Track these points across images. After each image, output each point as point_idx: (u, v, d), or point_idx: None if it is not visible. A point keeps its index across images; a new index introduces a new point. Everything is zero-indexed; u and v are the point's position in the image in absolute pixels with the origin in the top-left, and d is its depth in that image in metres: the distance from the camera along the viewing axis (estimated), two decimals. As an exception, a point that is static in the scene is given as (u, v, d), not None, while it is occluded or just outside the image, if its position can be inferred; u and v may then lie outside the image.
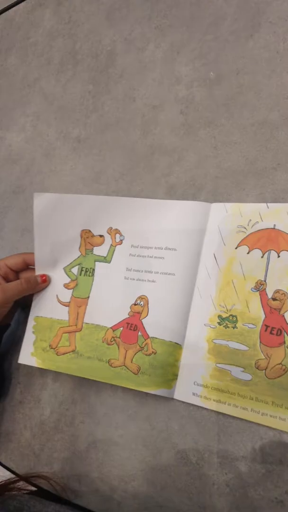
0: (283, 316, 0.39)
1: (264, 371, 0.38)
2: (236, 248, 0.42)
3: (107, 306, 0.46)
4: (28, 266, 0.49)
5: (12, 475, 0.49)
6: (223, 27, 0.49)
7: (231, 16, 0.49)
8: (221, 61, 0.48)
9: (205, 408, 0.41)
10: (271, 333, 0.39)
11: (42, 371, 0.50)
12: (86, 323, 0.47)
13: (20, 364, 0.49)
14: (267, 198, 0.43)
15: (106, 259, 0.47)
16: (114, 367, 0.44)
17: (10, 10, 0.67)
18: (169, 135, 0.50)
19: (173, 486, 0.41)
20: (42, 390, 0.50)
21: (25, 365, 0.50)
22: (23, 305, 0.51)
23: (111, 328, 0.45)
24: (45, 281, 0.48)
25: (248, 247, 0.41)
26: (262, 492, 0.38)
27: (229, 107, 0.47)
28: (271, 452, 0.38)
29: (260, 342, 0.39)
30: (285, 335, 0.38)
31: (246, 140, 0.45)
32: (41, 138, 0.59)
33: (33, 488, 0.47)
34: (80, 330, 0.47)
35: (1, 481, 0.46)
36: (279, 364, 0.38)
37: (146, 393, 0.43)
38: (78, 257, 0.48)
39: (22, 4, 0.66)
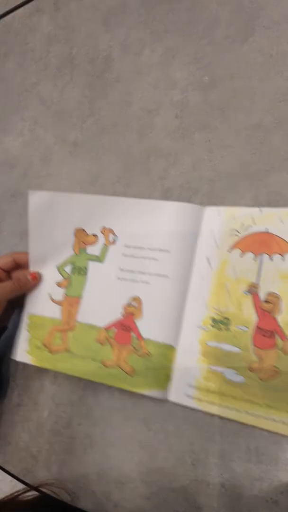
0: (275, 318, 0.39)
1: (257, 373, 0.39)
2: (229, 251, 0.42)
3: (100, 306, 0.46)
4: (19, 265, 0.49)
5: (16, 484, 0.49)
6: (218, 32, 0.49)
7: (225, 21, 0.49)
8: (215, 65, 0.49)
9: (201, 410, 0.41)
10: (263, 335, 0.39)
11: (39, 374, 0.50)
12: (79, 322, 0.47)
13: (18, 367, 0.49)
14: (260, 200, 0.43)
15: (99, 259, 0.47)
16: (108, 367, 0.44)
17: (8, 16, 0.68)
18: (164, 138, 0.50)
19: (169, 487, 0.41)
20: (39, 393, 0.50)
21: (22, 368, 0.51)
22: (21, 307, 0.52)
23: (104, 328, 0.46)
24: (36, 279, 0.48)
25: (241, 250, 0.41)
26: (257, 493, 0.38)
27: (223, 111, 0.47)
28: (266, 453, 0.38)
29: (253, 344, 0.39)
30: (277, 337, 0.38)
31: (241, 144, 0.46)
32: (38, 142, 0.60)
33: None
34: (73, 329, 0.47)
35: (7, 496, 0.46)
36: (271, 366, 0.38)
37: (143, 395, 0.43)
38: (71, 255, 0.48)
39: (20, 10, 0.67)
